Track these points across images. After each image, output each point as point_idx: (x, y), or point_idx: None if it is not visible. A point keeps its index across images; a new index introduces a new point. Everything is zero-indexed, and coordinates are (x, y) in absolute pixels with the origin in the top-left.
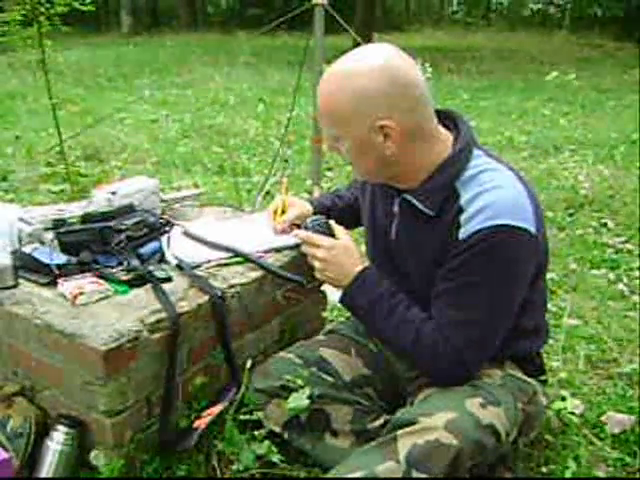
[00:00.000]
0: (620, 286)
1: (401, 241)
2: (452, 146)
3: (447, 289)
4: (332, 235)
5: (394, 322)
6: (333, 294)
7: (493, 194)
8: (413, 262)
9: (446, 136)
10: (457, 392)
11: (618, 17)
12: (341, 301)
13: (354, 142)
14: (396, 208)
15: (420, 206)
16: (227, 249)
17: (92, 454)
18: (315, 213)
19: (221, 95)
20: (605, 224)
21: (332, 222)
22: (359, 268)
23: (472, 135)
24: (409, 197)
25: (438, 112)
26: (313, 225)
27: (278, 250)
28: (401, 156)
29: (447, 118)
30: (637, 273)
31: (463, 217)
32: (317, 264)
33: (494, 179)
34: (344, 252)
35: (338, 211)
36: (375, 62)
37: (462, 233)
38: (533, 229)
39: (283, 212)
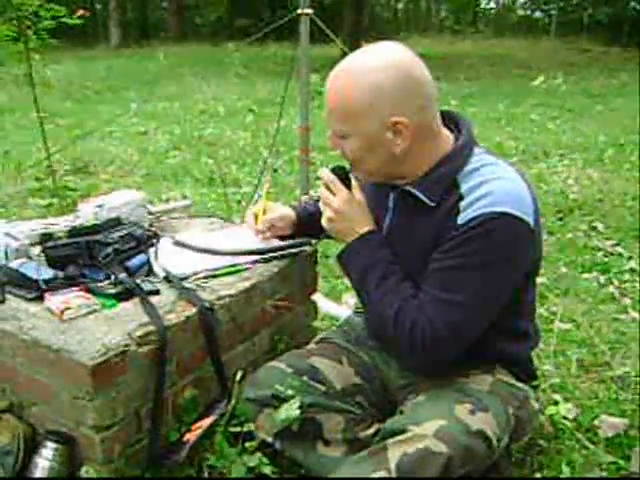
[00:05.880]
0: (611, 289)
1: (394, 234)
2: (453, 143)
3: (437, 269)
4: (349, 187)
5: (384, 289)
6: (324, 304)
7: (495, 183)
8: (406, 254)
9: (447, 136)
10: (446, 399)
11: (604, 22)
12: (339, 257)
13: (364, 139)
14: (391, 202)
15: (421, 196)
16: (220, 253)
17: (83, 469)
18: (299, 219)
19: (210, 106)
20: (595, 227)
21: (352, 176)
22: (367, 229)
23: (473, 135)
24: (409, 188)
25: (441, 113)
26: (337, 171)
27: (267, 260)
28: (408, 154)
29: (449, 119)
30: (627, 276)
31: (463, 203)
32: (329, 213)
33: (496, 172)
34: (358, 209)
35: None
36: (390, 59)
37: (461, 218)
38: (532, 223)
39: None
